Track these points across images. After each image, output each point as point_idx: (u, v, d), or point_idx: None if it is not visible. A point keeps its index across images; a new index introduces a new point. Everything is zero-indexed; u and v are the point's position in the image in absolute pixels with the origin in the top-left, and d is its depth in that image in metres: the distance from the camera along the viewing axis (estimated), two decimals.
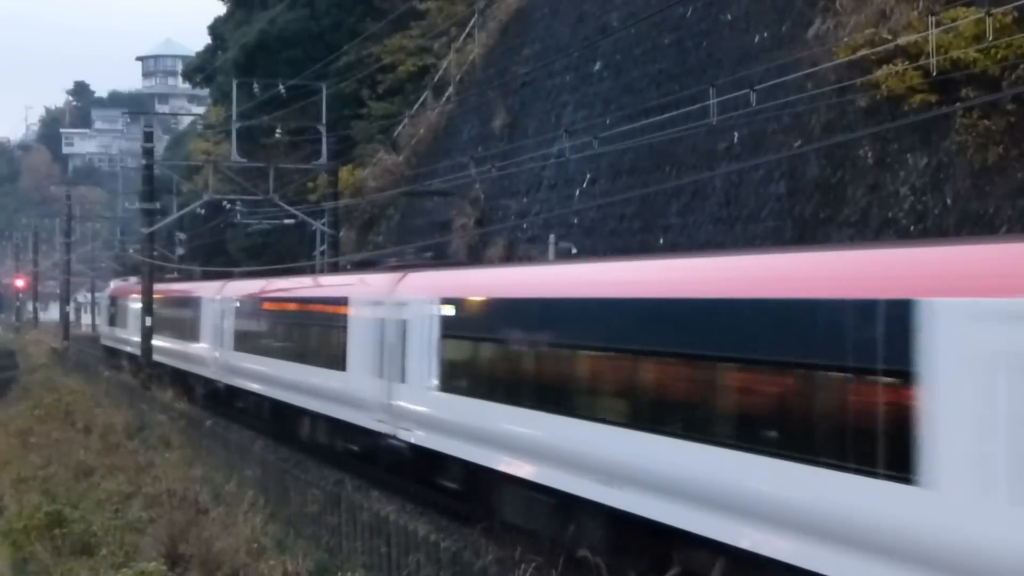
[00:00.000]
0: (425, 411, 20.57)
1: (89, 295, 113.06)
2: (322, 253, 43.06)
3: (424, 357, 20.50)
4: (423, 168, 43.56)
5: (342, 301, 25.34)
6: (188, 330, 40.29)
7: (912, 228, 20.01)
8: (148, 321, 41.71)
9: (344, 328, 24.85)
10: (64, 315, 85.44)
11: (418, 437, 20.76)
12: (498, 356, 18.26)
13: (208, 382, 37.44)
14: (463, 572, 13.23)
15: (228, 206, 48.84)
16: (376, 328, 22.89)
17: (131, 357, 49.16)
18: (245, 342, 33.32)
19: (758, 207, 24.40)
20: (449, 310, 19.99)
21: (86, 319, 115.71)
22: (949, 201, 19.50)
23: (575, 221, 31.63)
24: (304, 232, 48.64)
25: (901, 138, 20.84)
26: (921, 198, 20.10)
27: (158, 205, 45.70)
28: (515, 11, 41.98)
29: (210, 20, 68.43)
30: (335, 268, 38.76)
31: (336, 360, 25.15)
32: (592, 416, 15.47)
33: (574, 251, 28.55)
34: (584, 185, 32.33)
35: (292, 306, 30.15)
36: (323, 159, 43.61)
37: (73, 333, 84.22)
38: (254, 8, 59.00)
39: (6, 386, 52.94)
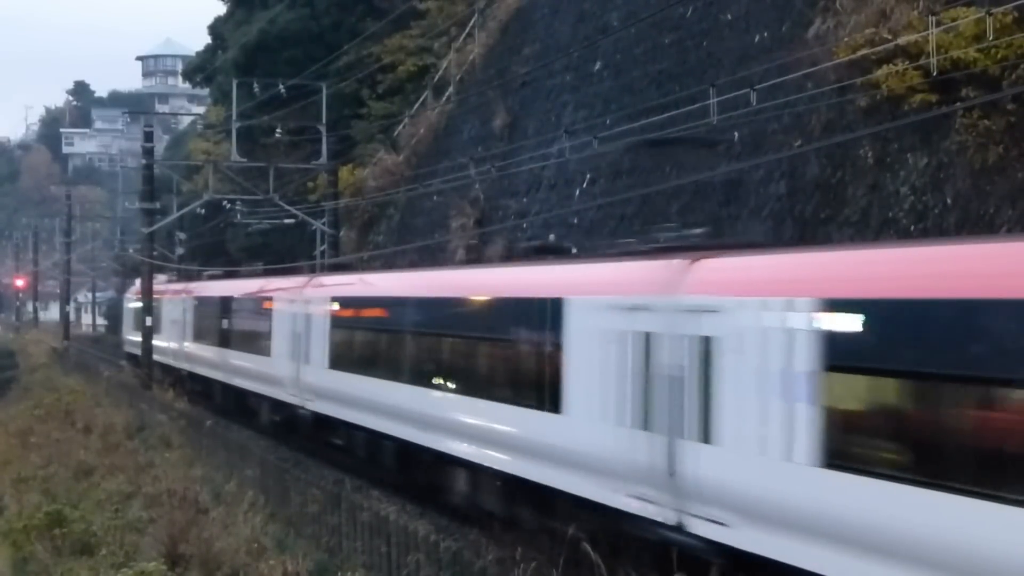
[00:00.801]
0: (786, 499, 12.09)
1: (90, 295, 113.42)
2: (322, 253, 43.06)
3: (773, 404, 12.24)
4: (423, 168, 43.56)
5: (549, 305, 16.65)
6: (248, 339, 32.98)
7: (912, 228, 20.01)
8: (148, 321, 41.75)
9: (556, 346, 16.37)
10: (64, 315, 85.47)
11: (747, 537, 12.64)
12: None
13: (281, 407, 29.42)
14: (463, 572, 13.23)
15: (228, 206, 48.84)
16: (631, 348, 14.70)
17: (166, 368, 42.98)
18: (352, 358, 25.00)
19: (758, 207, 24.40)
20: (850, 322, 11.51)
21: (86, 319, 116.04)
22: (949, 201, 19.50)
23: (575, 221, 31.62)
24: (304, 232, 48.62)
25: (901, 138, 20.83)
26: (921, 198, 20.10)
27: (158, 205, 45.67)
28: (515, 11, 41.97)
29: (210, 20, 68.46)
30: (335, 268, 38.11)
31: (537, 394, 16.83)
32: None
33: (575, 251, 27.14)
34: (584, 185, 32.32)
35: (446, 310, 20.82)
36: (323, 159, 43.60)
37: (73, 333, 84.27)
38: (254, 8, 58.97)
39: (6, 386, 52.99)
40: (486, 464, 18.19)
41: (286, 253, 50.07)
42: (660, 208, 28.05)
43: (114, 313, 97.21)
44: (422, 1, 47.82)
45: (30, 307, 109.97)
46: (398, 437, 21.59)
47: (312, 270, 33.31)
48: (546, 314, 16.59)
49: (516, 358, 17.72)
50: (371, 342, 24.07)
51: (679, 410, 13.59)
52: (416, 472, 21.61)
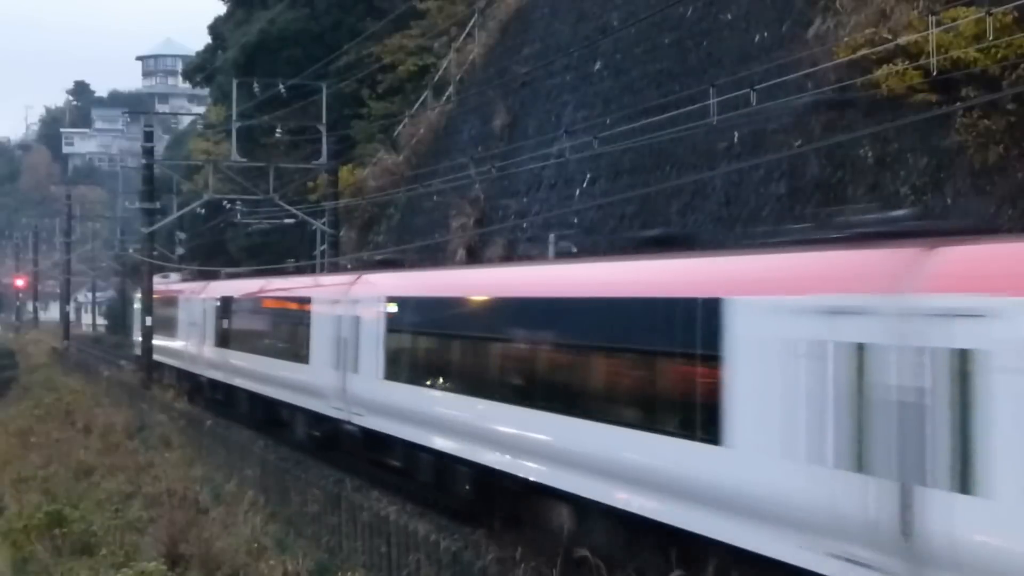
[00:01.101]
0: None
1: (90, 295, 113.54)
2: (322, 253, 43.07)
3: None
4: (423, 168, 43.57)
5: (700, 307, 13.22)
6: (282, 344, 29.91)
7: None
8: (148, 321, 41.72)
9: (711, 358, 12.89)
10: (64, 315, 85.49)
11: None
12: None
13: (323, 420, 26.01)
14: (463, 572, 13.22)
15: (228, 206, 48.90)
16: (833, 362, 11.21)
17: (183, 374, 41.02)
18: (416, 368, 21.43)
19: (758, 207, 24.39)
20: None
21: (86, 319, 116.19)
22: (949, 201, 19.50)
23: (575, 221, 31.62)
24: (304, 232, 48.66)
25: (901, 138, 20.83)
26: (921, 198, 20.10)
27: (158, 205, 45.72)
28: (515, 11, 41.98)
29: (210, 20, 68.64)
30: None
31: (683, 419, 13.51)
32: None
33: (574, 250, 25.90)
34: (584, 185, 32.32)
35: (546, 312, 16.99)
36: (323, 159, 43.61)
37: (73, 333, 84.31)
38: (254, 8, 59.03)
39: (6, 386, 52.90)
40: (603, 500, 14.90)
41: (286, 253, 50.09)
42: (660, 208, 28.06)
43: (114, 313, 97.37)
44: (422, 1, 47.85)
45: (30, 307, 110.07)
46: (478, 462, 18.16)
47: (354, 267, 30.51)
48: (695, 318, 13.08)
49: (651, 373, 14.22)
50: (441, 350, 20.49)
51: (918, 448, 10.13)
52: (499, 503, 18.21)
